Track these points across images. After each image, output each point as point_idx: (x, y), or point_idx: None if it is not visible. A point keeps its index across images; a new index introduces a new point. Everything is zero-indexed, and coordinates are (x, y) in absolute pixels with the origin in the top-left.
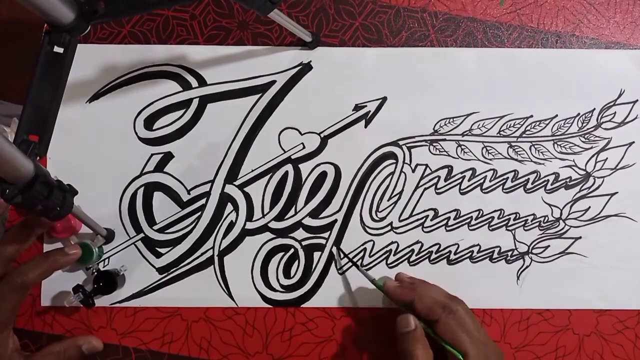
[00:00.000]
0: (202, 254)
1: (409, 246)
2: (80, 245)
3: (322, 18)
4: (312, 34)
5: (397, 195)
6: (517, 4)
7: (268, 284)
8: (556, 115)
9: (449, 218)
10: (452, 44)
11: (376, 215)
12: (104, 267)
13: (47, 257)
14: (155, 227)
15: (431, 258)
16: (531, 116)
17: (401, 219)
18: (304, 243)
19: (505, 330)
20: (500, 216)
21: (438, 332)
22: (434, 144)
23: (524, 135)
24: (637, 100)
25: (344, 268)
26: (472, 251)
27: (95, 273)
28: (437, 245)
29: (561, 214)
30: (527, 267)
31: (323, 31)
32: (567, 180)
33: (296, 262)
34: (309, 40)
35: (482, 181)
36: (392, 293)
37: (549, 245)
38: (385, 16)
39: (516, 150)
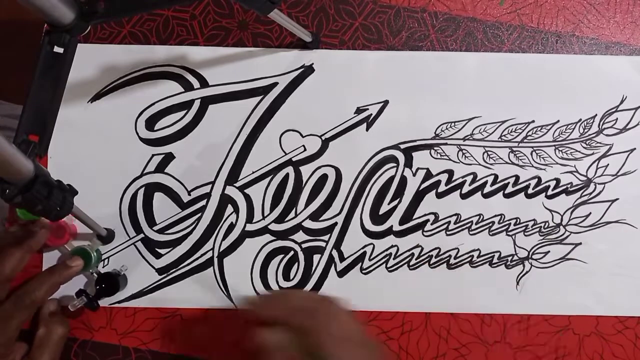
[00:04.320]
0: (202, 255)
1: (408, 250)
2: (78, 251)
3: (322, 18)
4: (312, 34)
5: (398, 199)
6: (517, 4)
7: (267, 286)
8: (558, 121)
9: (449, 222)
10: (452, 44)
11: (376, 219)
12: (103, 267)
13: (52, 272)
14: (156, 228)
15: (431, 262)
16: (533, 121)
17: (401, 222)
18: (303, 245)
19: (506, 331)
20: (501, 221)
21: None
22: (435, 148)
23: (525, 140)
24: (639, 107)
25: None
26: (472, 256)
27: (96, 276)
28: (437, 250)
29: (562, 219)
30: (526, 272)
31: (323, 31)
32: (568, 186)
33: (296, 264)
34: (309, 40)
35: (483, 186)
36: None
37: (549, 251)
38: (385, 16)
39: (517, 155)
